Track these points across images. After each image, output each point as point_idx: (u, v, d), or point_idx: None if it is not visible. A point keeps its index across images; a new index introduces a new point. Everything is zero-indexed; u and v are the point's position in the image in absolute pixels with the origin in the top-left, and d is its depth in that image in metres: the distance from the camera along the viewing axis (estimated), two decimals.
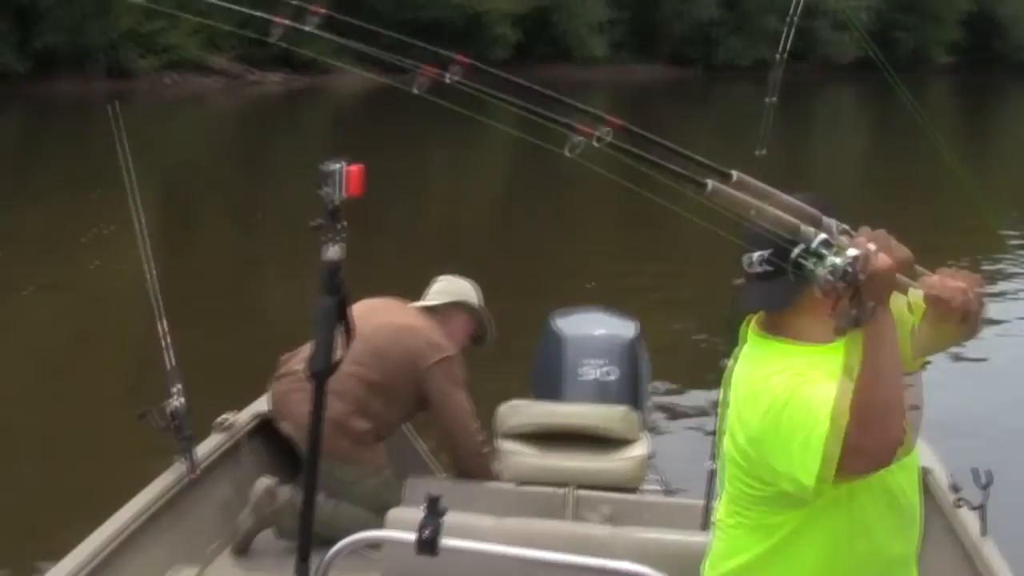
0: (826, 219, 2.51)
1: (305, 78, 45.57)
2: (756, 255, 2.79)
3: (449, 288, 5.47)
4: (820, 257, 2.42)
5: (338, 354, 3.62)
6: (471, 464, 5.21)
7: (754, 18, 68.52)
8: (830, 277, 2.39)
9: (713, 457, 4.74)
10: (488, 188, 23.70)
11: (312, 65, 46.72)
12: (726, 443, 2.91)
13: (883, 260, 2.44)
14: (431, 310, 5.36)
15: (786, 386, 2.65)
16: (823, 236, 2.45)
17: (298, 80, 45.11)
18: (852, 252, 2.39)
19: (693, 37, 68.77)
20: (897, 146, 25.22)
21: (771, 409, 2.65)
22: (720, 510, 3.01)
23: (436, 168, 25.15)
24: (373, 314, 5.08)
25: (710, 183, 2.45)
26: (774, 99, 4.94)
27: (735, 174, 2.47)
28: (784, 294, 2.76)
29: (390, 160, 21.47)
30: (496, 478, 5.20)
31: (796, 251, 2.46)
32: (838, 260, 2.39)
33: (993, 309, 11.79)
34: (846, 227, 2.50)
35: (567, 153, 2.54)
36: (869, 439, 2.47)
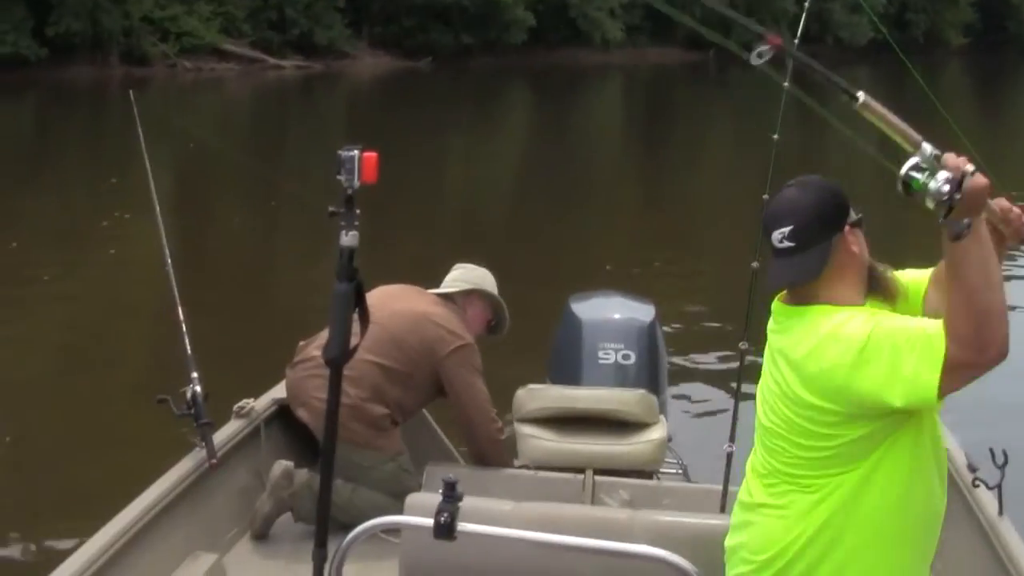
0: (924, 144, 2.70)
1: (321, 64, 45.59)
2: (785, 230, 2.96)
3: (467, 276, 5.47)
4: (932, 172, 2.65)
5: (354, 341, 3.64)
6: (488, 451, 5.22)
7: (771, 1, 68.29)
8: (945, 188, 2.61)
9: (732, 440, 4.78)
10: (505, 173, 23.68)
11: (328, 50, 46.87)
12: (772, 418, 2.99)
13: (980, 179, 2.69)
14: (448, 297, 5.37)
15: (871, 322, 2.83)
16: (935, 151, 2.68)
17: (314, 66, 45.10)
18: (949, 174, 2.64)
19: (709, 20, 68.46)
20: (911, 126, 25.06)
21: (868, 344, 2.79)
22: (757, 493, 3.06)
23: (453, 153, 25.15)
24: (390, 301, 5.10)
25: (861, 94, 2.67)
26: (787, 84, 4.94)
27: (861, 95, 2.68)
28: (815, 265, 2.95)
29: (407, 146, 21.52)
30: (511, 464, 5.22)
31: (908, 165, 2.68)
32: (947, 175, 2.63)
33: (1015, 289, 11.76)
34: (937, 152, 2.69)
35: (752, 61, 2.85)
36: (990, 336, 2.70)
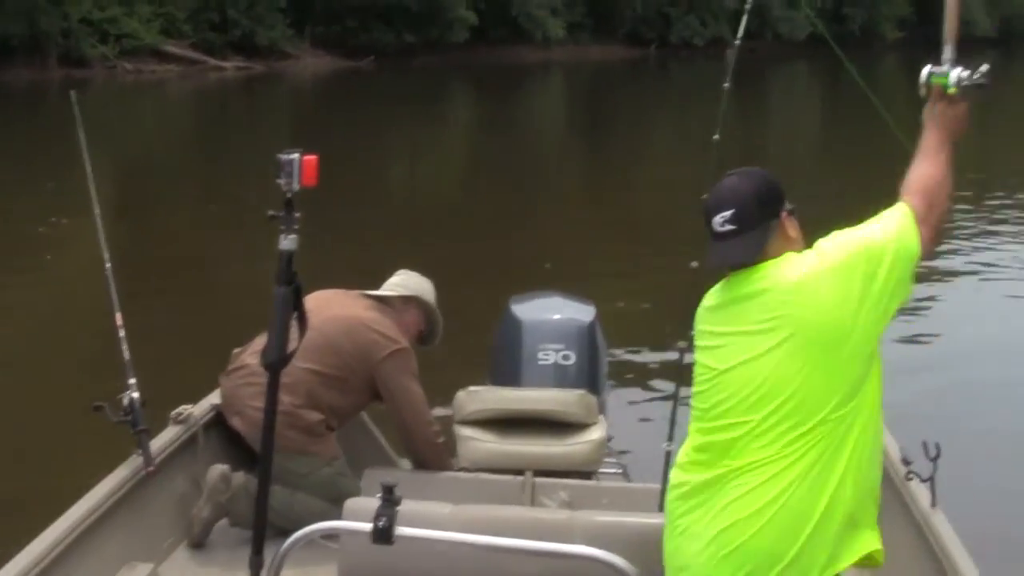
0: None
1: (263, 64, 45.34)
2: (727, 214, 3.19)
3: (407, 282, 5.47)
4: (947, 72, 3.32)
5: (292, 346, 3.62)
6: (427, 454, 5.22)
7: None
8: (964, 73, 3.30)
9: (671, 439, 4.80)
10: (448, 172, 23.67)
11: (270, 51, 46.61)
12: (773, 388, 3.10)
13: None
14: (386, 301, 5.36)
15: (823, 242, 3.20)
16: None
17: (256, 67, 44.84)
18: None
19: (650, 17, 68.78)
20: (846, 119, 25.40)
21: (841, 246, 3.16)
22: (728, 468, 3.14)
23: (395, 153, 25.07)
24: (326, 306, 5.07)
25: None
26: (728, 85, 4.96)
27: None
28: (756, 244, 3.18)
29: (348, 146, 21.48)
30: (451, 466, 5.22)
31: (925, 71, 3.36)
32: (963, 72, 3.32)
33: (944, 288, 11.92)
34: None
35: None
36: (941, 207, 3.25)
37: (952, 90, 3.31)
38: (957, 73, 3.31)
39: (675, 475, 3.32)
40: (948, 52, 3.38)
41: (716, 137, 4.91)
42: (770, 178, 3.29)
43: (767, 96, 42.16)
